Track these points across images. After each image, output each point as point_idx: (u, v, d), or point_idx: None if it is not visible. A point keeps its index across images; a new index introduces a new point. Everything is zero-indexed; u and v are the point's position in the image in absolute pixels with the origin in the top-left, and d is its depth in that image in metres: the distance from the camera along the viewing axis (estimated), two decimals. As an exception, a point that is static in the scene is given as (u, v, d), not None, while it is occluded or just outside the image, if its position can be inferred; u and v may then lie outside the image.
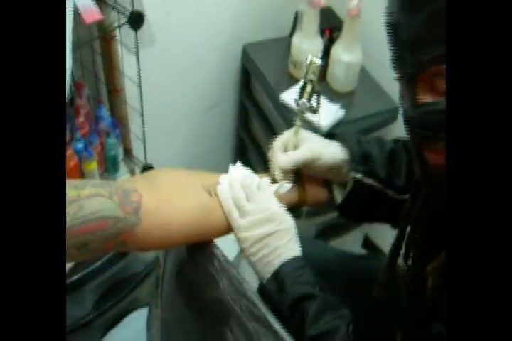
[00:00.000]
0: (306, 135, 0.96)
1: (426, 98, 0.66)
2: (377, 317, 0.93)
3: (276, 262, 0.85)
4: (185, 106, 1.82)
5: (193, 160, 2.02)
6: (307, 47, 1.62)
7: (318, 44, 1.64)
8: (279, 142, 0.94)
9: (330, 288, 1.15)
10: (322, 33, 1.67)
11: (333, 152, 0.95)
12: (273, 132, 1.76)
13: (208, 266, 0.84)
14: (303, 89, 0.94)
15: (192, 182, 0.85)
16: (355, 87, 1.70)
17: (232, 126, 2.07)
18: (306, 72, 0.94)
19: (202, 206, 0.83)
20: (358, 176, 0.95)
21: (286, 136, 0.95)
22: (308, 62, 0.93)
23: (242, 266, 2.05)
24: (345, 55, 1.60)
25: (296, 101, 0.95)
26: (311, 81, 0.94)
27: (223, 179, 0.89)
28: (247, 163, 2.08)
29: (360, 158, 0.96)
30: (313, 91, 0.94)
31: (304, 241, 1.29)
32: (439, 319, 0.76)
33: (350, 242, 2.03)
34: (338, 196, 1.00)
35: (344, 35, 1.59)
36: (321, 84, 1.66)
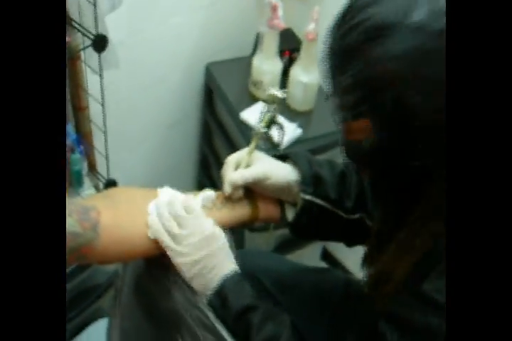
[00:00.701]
0: (259, 155, 1.00)
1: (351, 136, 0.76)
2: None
3: (216, 279, 0.88)
4: (149, 123, 1.86)
5: (156, 176, 2.05)
6: (267, 67, 1.68)
7: (277, 65, 1.70)
8: (232, 159, 0.99)
9: (284, 301, 1.20)
10: (282, 53, 1.72)
11: (284, 173, 0.99)
12: (234, 149, 1.78)
13: (163, 278, 0.88)
14: (264, 115, 0.99)
15: (148, 199, 0.89)
16: (313, 106, 1.75)
17: (195, 143, 2.11)
18: (267, 104, 0.99)
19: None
20: (308, 197, 0.99)
21: (239, 155, 0.99)
22: (269, 94, 0.98)
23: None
24: (303, 75, 1.65)
25: (256, 124, 1.00)
26: (270, 111, 0.99)
27: (152, 208, 0.89)
28: (209, 178, 2.13)
29: (310, 180, 1.00)
30: (272, 122, 0.99)
31: (261, 254, 1.35)
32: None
33: (309, 255, 2.06)
34: (290, 215, 1.04)
35: (302, 57, 1.65)
36: (280, 103, 1.72)
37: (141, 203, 0.89)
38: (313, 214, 1.01)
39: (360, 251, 2.07)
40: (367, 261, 0.98)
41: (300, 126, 1.65)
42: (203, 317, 0.83)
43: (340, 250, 2.18)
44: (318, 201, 1.01)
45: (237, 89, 1.79)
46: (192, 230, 0.88)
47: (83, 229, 0.78)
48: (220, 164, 1.94)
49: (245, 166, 0.98)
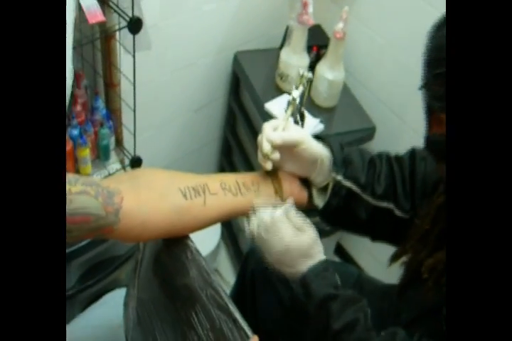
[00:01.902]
0: (294, 125, 1.00)
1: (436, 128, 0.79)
2: None
3: (303, 268, 0.91)
4: (176, 105, 1.85)
5: (179, 156, 2.04)
6: (294, 62, 1.66)
7: (304, 59, 1.68)
8: (269, 124, 0.97)
9: None
10: (310, 48, 1.71)
11: (317, 144, 0.98)
12: (256, 137, 1.79)
13: (181, 255, 0.88)
14: (296, 88, 1.01)
15: (171, 185, 0.88)
16: (337, 103, 1.74)
17: (219, 127, 2.10)
18: (298, 82, 1.01)
19: (176, 208, 0.86)
20: (339, 177, 0.98)
21: (276, 121, 0.98)
22: (300, 75, 1.01)
23: (219, 258, 2.09)
24: (328, 72, 1.64)
25: (290, 94, 1.01)
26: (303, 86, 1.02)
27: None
28: (230, 163, 2.12)
29: (341, 162, 0.99)
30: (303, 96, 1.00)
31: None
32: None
33: (324, 248, 2.05)
34: (317, 199, 1.03)
35: (329, 54, 1.63)
36: (306, 97, 1.71)
37: (165, 187, 0.87)
38: (342, 197, 1.00)
39: (372, 249, 2.07)
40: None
41: (322, 122, 1.63)
42: (217, 297, 0.82)
43: (353, 246, 2.19)
44: (347, 183, 0.99)
45: (264, 79, 1.78)
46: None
47: (106, 213, 0.78)
48: (242, 151, 1.97)
49: (283, 130, 0.97)
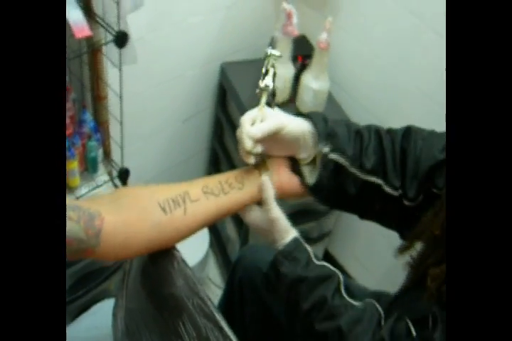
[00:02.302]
0: (271, 111, 0.96)
1: None
2: None
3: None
4: (163, 117, 1.86)
5: (167, 167, 2.05)
6: (279, 72, 1.65)
7: (290, 69, 1.70)
8: (246, 117, 0.93)
9: None
10: (295, 58, 1.72)
11: (298, 122, 0.95)
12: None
13: (168, 266, 0.89)
14: (265, 74, 1.00)
15: (150, 201, 0.88)
16: (322, 111, 1.75)
17: (206, 139, 2.11)
18: (267, 62, 1.01)
19: (156, 225, 0.86)
20: (325, 150, 0.95)
21: (252, 112, 0.94)
22: (268, 53, 1.00)
23: (208, 268, 2.10)
24: (313, 82, 1.66)
25: (259, 84, 0.99)
26: (273, 67, 1.01)
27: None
28: (219, 172, 2.12)
29: (326, 135, 0.96)
30: (274, 76, 1.00)
31: (266, 249, 1.34)
32: None
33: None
34: (309, 179, 1.00)
35: (314, 64, 1.65)
36: (291, 106, 1.72)
37: (144, 204, 0.88)
38: (330, 171, 0.97)
39: (360, 256, 2.07)
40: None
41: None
42: (203, 306, 0.83)
43: (341, 253, 2.21)
44: (334, 156, 0.96)
45: (250, 90, 1.78)
46: None
47: (87, 236, 0.79)
48: (229, 161, 1.98)
49: (260, 121, 0.93)
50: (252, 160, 0.94)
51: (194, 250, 1.89)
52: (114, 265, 1.57)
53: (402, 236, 1.06)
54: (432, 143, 0.98)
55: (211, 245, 2.07)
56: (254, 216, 0.97)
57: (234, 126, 1.87)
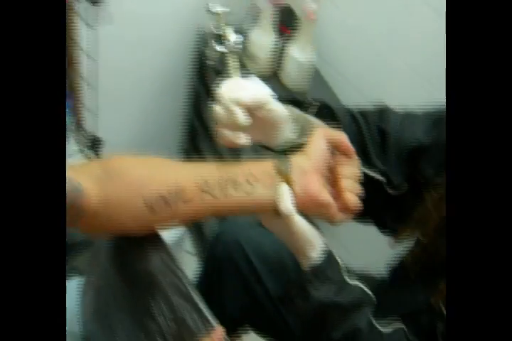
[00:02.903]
0: (249, 82, 0.83)
1: None
2: None
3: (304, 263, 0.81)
4: (140, 86, 1.78)
5: (142, 140, 1.97)
6: (263, 42, 1.60)
7: (274, 41, 1.62)
8: (226, 87, 0.79)
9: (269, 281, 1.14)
10: (281, 30, 1.64)
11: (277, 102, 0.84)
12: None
13: (142, 241, 0.80)
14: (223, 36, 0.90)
15: (139, 195, 0.73)
16: (308, 88, 1.67)
17: (184, 111, 2.03)
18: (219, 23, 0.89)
19: (139, 222, 0.75)
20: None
21: (230, 82, 0.81)
22: (214, 12, 0.89)
23: (184, 244, 2.03)
24: (298, 53, 1.58)
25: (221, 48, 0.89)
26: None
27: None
28: (195, 148, 2.05)
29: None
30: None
31: (245, 224, 1.27)
32: None
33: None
34: None
35: (299, 36, 1.57)
36: (274, 79, 1.64)
37: (133, 198, 0.73)
38: None
39: (348, 246, 2.02)
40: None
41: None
42: (179, 284, 0.76)
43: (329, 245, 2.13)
44: None
45: (232, 60, 1.70)
46: None
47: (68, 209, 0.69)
48: (208, 135, 1.89)
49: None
50: (243, 138, 0.79)
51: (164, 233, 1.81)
52: (82, 241, 1.48)
53: (383, 227, 1.02)
54: (413, 123, 0.92)
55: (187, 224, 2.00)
56: (273, 223, 0.79)
57: (213, 98, 1.78)
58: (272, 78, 1.66)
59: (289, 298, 0.81)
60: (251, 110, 0.79)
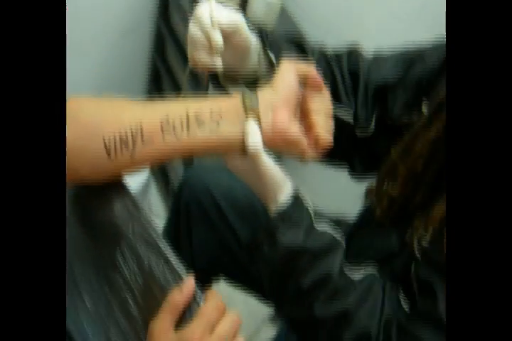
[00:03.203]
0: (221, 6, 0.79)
1: None
2: None
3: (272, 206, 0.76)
4: (100, 29, 1.67)
5: (104, 84, 1.88)
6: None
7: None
8: (203, 9, 0.75)
9: (241, 229, 1.10)
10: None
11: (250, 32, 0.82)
12: (187, 61, 1.65)
13: (104, 187, 0.75)
14: None
15: (96, 137, 0.67)
16: (275, 26, 1.59)
17: (147, 53, 1.93)
18: None
19: (94, 168, 0.69)
20: None
21: (206, 3, 0.76)
22: None
23: (149, 194, 1.97)
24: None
25: None
26: None
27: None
28: (159, 90, 1.97)
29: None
30: None
31: (213, 168, 1.22)
32: None
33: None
34: None
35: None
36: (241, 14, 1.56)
37: (89, 140, 0.67)
38: None
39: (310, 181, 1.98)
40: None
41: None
42: (145, 234, 0.71)
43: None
44: None
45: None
46: None
47: None
48: (172, 79, 1.82)
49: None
50: (219, 61, 0.76)
51: (133, 176, 1.75)
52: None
53: (352, 169, 1.00)
54: (381, 64, 0.90)
55: (151, 169, 1.94)
56: (238, 164, 0.75)
57: (177, 40, 1.70)
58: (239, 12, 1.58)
59: (255, 244, 0.78)
60: (225, 35, 0.76)
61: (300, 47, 0.91)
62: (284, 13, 1.62)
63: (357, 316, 0.76)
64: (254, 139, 0.69)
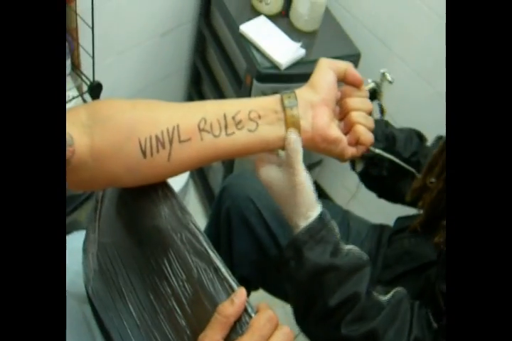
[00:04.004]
0: None
1: None
2: None
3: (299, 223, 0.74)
4: (140, 28, 1.65)
5: (143, 86, 1.86)
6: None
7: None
8: None
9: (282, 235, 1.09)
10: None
11: None
12: (230, 63, 1.63)
13: (150, 192, 0.72)
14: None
15: (131, 137, 0.66)
16: (319, 28, 1.57)
17: (187, 54, 1.92)
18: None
19: (130, 170, 0.67)
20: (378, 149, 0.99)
21: None
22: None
23: (188, 198, 1.95)
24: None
25: None
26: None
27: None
28: (199, 92, 1.95)
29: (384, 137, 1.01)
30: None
31: (254, 177, 1.20)
32: None
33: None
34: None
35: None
36: (283, 20, 1.53)
37: (124, 142, 0.66)
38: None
39: (350, 187, 1.97)
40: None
41: (303, 46, 1.46)
42: (194, 241, 0.68)
43: (331, 185, 2.09)
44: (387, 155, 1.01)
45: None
46: None
47: None
48: (212, 79, 1.80)
49: None
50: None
51: (172, 178, 1.73)
52: (84, 193, 1.41)
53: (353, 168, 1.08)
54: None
55: (191, 173, 1.92)
56: (272, 174, 0.73)
57: (219, 40, 1.68)
58: (280, 18, 1.55)
59: (283, 260, 0.76)
60: None
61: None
62: (329, 16, 1.59)
63: (385, 337, 0.74)
64: (295, 144, 0.68)
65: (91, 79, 1.32)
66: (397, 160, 1.01)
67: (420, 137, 1.06)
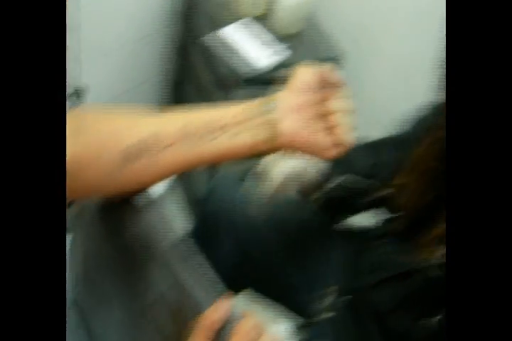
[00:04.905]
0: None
1: None
2: None
3: None
4: (124, 30, 1.65)
5: (126, 88, 1.85)
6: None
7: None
8: None
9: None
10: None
11: None
12: (211, 67, 1.62)
13: (134, 198, 0.72)
14: None
15: (114, 148, 0.66)
16: (301, 30, 1.58)
17: (165, 58, 1.91)
18: None
19: (112, 178, 0.67)
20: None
21: None
22: None
23: (170, 203, 1.94)
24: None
25: None
26: None
27: None
28: (182, 96, 1.94)
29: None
30: None
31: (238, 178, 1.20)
32: None
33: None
34: None
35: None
36: (265, 23, 1.54)
37: (107, 153, 0.66)
38: None
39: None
40: None
41: (287, 48, 1.47)
42: (177, 247, 0.68)
43: None
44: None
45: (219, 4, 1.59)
46: None
47: None
48: (195, 82, 1.79)
49: None
50: None
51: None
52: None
53: None
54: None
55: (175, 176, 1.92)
56: None
57: (200, 44, 1.68)
58: (263, 21, 1.55)
59: None
60: None
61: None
62: (310, 20, 1.60)
63: None
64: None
65: (76, 82, 1.31)
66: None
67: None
